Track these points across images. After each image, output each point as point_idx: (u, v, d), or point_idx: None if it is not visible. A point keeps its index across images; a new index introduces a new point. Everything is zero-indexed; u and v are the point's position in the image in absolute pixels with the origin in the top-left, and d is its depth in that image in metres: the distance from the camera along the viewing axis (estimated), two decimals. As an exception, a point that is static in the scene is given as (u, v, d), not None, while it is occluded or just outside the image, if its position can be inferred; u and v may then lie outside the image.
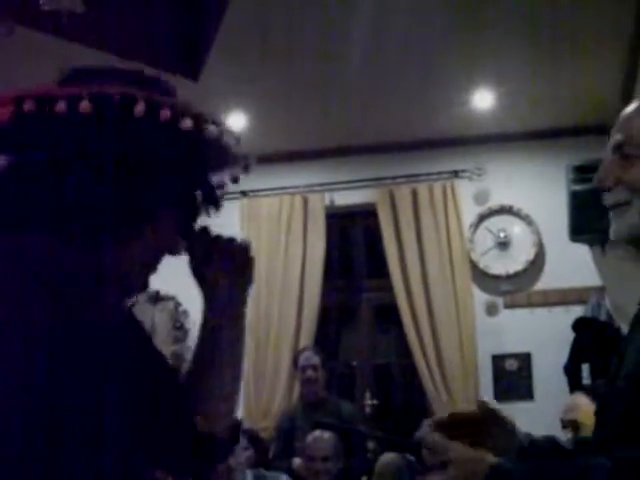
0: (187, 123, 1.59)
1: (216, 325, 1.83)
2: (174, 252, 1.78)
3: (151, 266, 1.76)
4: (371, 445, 6.70)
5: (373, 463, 6.22)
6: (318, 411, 6.63)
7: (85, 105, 1.52)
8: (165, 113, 1.57)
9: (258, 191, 8.18)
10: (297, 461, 6.08)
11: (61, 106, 1.52)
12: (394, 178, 8.11)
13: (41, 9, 4.83)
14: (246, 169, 1.81)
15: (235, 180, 1.83)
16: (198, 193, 1.81)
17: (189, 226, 1.82)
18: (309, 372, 6.84)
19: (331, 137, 7.92)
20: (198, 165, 1.74)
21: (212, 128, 1.63)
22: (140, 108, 1.54)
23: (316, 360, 6.88)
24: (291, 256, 8.05)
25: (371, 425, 7.14)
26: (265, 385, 7.85)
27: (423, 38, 6.13)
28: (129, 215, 1.61)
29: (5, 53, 5.79)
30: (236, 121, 7.45)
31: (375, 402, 7.79)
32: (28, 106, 1.53)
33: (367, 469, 6.31)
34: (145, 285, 1.79)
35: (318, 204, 8.18)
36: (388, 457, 6.07)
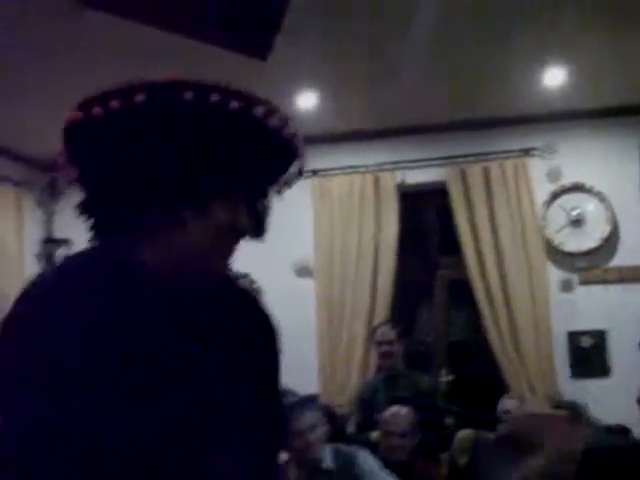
0: (234, 105, 1.64)
1: None
2: (240, 233, 1.76)
3: (219, 248, 1.75)
4: (448, 420, 6.72)
5: (450, 438, 6.25)
6: (397, 384, 6.67)
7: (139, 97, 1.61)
8: (234, 105, 1.63)
9: (329, 170, 8.21)
10: (375, 434, 6.09)
11: (140, 97, 1.61)
12: (465, 156, 8.08)
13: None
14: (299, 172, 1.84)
15: (299, 172, 1.85)
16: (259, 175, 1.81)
17: (255, 205, 1.82)
18: (385, 347, 6.89)
19: (402, 115, 7.90)
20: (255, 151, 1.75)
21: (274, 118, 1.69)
22: (189, 95, 1.61)
23: (392, 335, 6.92)
24: (364, 235, 8.06)
25: (448, 400, 7.16)
26: (340, 362, 7.89)
27: (494, 16, 6.09)
28: (191, 193, 1.65)
29: (73, 37, 5.88)
30: (307, 100, 7.48)
31: (451, 378, 7.82)
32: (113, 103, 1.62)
33: (444, 444, 6.33)
34: (223, 267, 1.80)
35: (390, 183, 8.17)
36: (465, 432, 6.10)
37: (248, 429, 1.72)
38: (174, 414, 1.61)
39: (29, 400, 1.49)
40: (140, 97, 1.59)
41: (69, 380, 1.50)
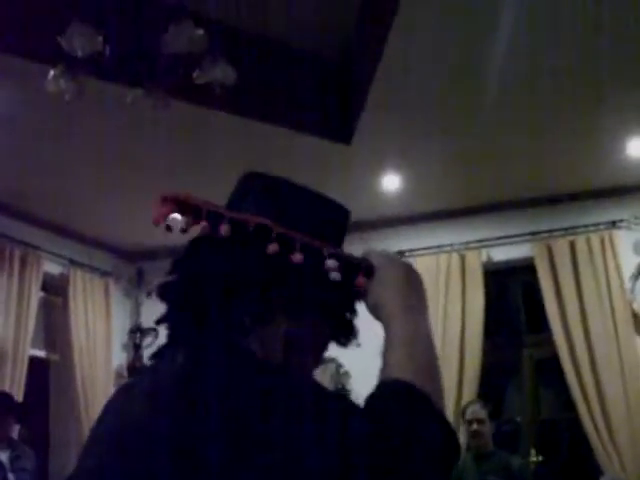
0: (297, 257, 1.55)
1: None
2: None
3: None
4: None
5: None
6: (487, 464, 6.61)
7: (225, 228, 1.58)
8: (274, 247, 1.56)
9: (414, 250, 8.23)
10: None
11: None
12: (551, 231, 8.04)
13: (195, 83, 5.05)
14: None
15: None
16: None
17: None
18: (475, 426, 6.83)
19: (485, 193, 7.95)
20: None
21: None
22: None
23: (483, 414, 6.87)
24: (450, 313, 8.07)
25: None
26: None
27: (575, 89, 6.10)
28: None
29: (161, 126, 6.03)
30: (390, 183, 7.55)
31: (540, 458, 7.69)
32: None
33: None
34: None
35: (475, 261, 8.18)
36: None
37: None
38: None
39: None
40: (225, 229, 1.57)
41: None
